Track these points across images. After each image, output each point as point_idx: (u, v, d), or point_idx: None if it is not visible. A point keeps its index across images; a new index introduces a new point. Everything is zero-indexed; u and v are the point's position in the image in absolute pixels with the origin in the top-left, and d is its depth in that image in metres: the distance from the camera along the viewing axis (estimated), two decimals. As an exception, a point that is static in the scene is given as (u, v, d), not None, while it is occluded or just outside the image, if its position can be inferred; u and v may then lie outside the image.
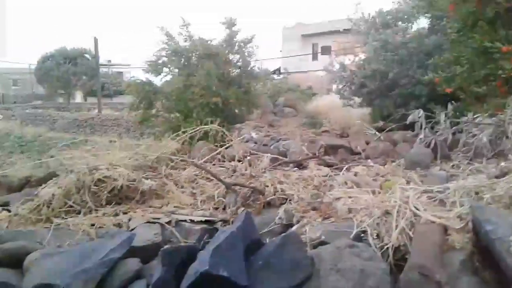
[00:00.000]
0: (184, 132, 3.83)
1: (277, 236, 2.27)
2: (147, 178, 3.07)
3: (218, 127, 3.96)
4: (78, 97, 37.89)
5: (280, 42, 35.35)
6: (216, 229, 2.79)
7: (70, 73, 32.54)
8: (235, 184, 3.04)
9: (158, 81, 15.77)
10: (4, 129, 25.87)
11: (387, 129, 4.90)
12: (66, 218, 2.79)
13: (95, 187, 2.89)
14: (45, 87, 36.26)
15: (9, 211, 3.03)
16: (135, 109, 16.19)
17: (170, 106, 15.24)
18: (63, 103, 34.00)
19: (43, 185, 3.03)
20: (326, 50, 30.96)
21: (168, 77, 15.68)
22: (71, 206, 2.83)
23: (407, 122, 4.36)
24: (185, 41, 15.35)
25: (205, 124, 4.13)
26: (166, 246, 2.16)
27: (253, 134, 7.89)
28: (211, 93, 13.87)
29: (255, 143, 6.38)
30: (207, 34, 15.88)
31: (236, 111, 15.24)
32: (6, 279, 2.15)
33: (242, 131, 9.68)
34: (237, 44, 15.71)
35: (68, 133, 26.09)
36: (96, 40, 26.81)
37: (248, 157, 3.64)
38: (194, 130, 3.88)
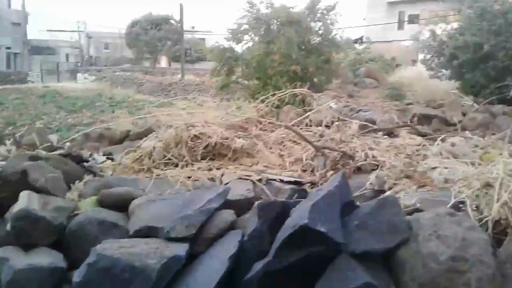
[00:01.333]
0: (273, 95, 3.88)
1: (370, 200, 2.26)
2: (239, 137, 3.16)
3: (307, 91, 3.95)
4: (163, 62, 39.37)
5: (364, 10, 33.86)
6: (305, 190, 2.84)
7: (156, 39, 33.76)
8: (325, 148, 3.04)
9: (239, 48, 15.94)
10: (97, 89, 27.70)
11: (486, 101, 4.59)
12: (165, 170, 2.97)
13: (191, 142, 3.04)
14: (133, 51, 37.92)
15: (112, 160, 3.29)
16: (216, 75, 16.54)
17: (249, 73, 15.37)
18: (149, 67, 35.52)
19: (145, 138, 3.25)
20: (413, 19, 29.20)
21: (249, 45, 15.79)
22: (169, 159, 3.01)
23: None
24: (267, 8, 15.25)
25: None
26: (261, 201, 2.24)
27: (332, 104, 7.78)
28: (290, 61, 13.76)
29: (334, 113, 6.28)
30: (289, 1, 15.64)
31: (315, 80, 15.02)
32: (115, 220, 2.35)
33: (320, 100, 9.52)
34: (319, 11, 15.32)
35: (152, 96, 27.35)
36: (181, 7, 27.40)
37: (337, 123, 3.61)
38: (283, 93, 3.91)
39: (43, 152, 2.76)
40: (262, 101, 3.80)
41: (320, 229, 1.74)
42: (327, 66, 14.40)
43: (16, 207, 2.28)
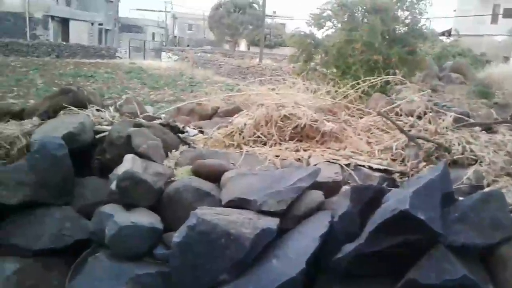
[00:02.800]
0: (364, 81, 3.80)
1: (467, 195, 2.17)
2: (328, 121, 3.15)
3: (401, 78, 3.83)
4: (242, 45, 39.86)
5: (455, 1, 31.85)
6: (394, 180, 2.78)
7: (238, 22, 34.24)
8: (419, 138, 2.94)
9: (320, 34, 15.70)
10: (178, 69, 28.73)
11: None
12: (253, 147, 3.04)
13: (281, 122, 3.07)
14: (215, 34, 38.73)
15: (203, 133, 3.42)
16: (294, 61, 16.44)
17: (328, 60, 15.10)
18: (229, 50, 36.15)
19: (236, 115, 3.34)
20: (509, 13, 27.07)
21: (330, 31, 15.49)
22: (258, 137, 3.07)
23: None
24: (352, -6, 14.82)
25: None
26: (356, 184, 2.23)
27: (415, 97, 7.46)
28: (372, 50, 13.31)
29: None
30: (376, -13, 15.03)
31: (397, 71, 14.42)
32: (208, 189, 2.46)
33: (401, 93, 9.15)
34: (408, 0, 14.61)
35: (230, 78, 27.89)
36: (265, -10, 27.45)
37: (430, 114, 3.47)
38: (375, 79, 3.82)
39: (143, 121, 2.93)
40: (352, 87, 3.74)
41: (420, 216, 1.70)
42: (411, 57, 13.79)
43: (121, 169, 2.45)
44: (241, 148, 3.05)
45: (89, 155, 2.85)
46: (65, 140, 2.57)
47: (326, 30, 15.53)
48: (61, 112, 3.07)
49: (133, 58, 31.72)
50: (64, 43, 29.56)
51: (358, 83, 3.77)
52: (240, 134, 3.07)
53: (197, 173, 2.62)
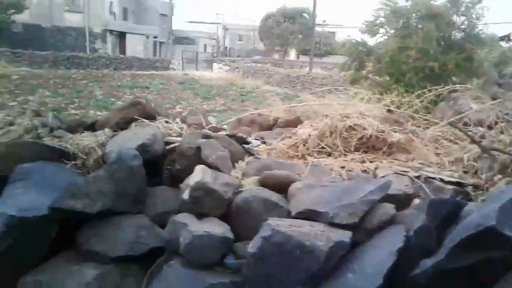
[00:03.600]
0: (430, 91, 3.71)
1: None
2: (394, 131, 3.09)
3: (469, 87, 3.70)
4: (292, 55, 39.94)
5: (516, 3, 30.39)
6: (467, 193, 2.68)
7: (288, 32, 34.38)
8: (493, 149, 2.82)
9: (373, 42, 15.43)
10: (229, 79, 29.22)
11: None
12: (318, 158, 3.03)
13: (345, 133, 3.05)
14: (264, 44, 39.09)
15: (265, 144, 3.46)
16: (346, 69, 16.22)
17: (381, 68, 14.78)
18: (278, 60, 36.34)
19: (299, 126, 3.36)
20: None
21: (383, 39, 15.17)
22: (323, 148, 3.06)
23: None
24: (406, 1, 14.48)
25: (421, 90, 3.95)
26: (432, 197, 2.17)
27: (473, 105, 7.16)
28: (428, 57, 12.90)
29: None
30: (431, -7, 14.62)
31: (454, 78, 13.88)
32: (276, 200, 2.48)
33: (459, 101, 8.82)
34: (464, 4, 14.13)
35: (280, 88, 27.98)
36: (315, 0, 27.44)
37: (502, 124, 3.32)
38: (442, 89, 3.71)
39: (211, 132, 3.00)
40: (418, 96, 3.65)
41: (507, 233, 1.63)
42: (468, 64, 13.26)
43: (192, 179, 2.53)
44: (305, 159, 3.05)
45: (159, 165, 2.95)
46: (139, 151, 2.69)
47: (380, 37, 15.26)
48: (133, 124, 3.21)
49: (186, 69, 32.64)
50: (121, 56, 30.88)
51: (424, 93, 3.68)
52: (304, 145, 3.07)
53: (264, 183, 2.64)
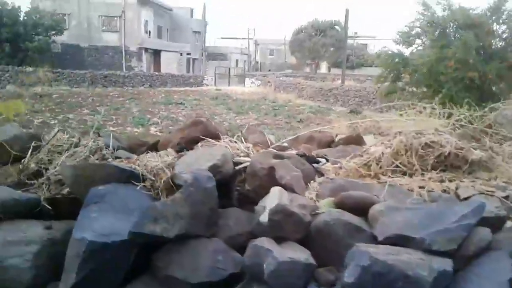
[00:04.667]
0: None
1: None
2: (474, 148, 2.92)
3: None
4: (323, 68, 39.79)
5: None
6: None
7: (319, 45, 34.31)
8: None
9: (408, 53, 15.12)
10: (261, 93, 29.29)
11: None
12: (393, 177, 2.89)
13: (422, 151, 2.90)
14: (296, 57, 39.16)
15: (327, 160, 3.33)
16: (382, 81, 15.91)
17: (418, 79, 14.43)
18: (310, 73, 36.27)
19: (370, 144, 3.23)
20: None
21: (419, 49, 14.82)
22: (397, 166, 2.92)
23: None
24: (443, 10, 14.17)
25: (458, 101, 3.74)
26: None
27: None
28: (467, 67, 12.54)
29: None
30: (468, 2, 14.30)
31: (494, 88, 13.40)
32: (358, 223, 2.35)
33: (502, 112, 8.48)
34: (505, 12, 13.76)
35: (313, 101, 27.83)
36: (347, 12, 27.31)
37: None
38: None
39: (284, 152, 2.91)
40: (491, 110, 3.47)
41: None
42: (510, 73, 12.80)
43: (268, 201, 2.43)
44: (378, 179, 2.91)
45: (228, 186, 2.87)
46: (210, 171, 2.62)
47: (416, 48, 14.91)
48: (199, 144, 3.15)
49: (218, 84, 32.97)
50: (156, 73, 31.53)
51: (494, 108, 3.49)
52: (377, 163, 2.93)
53: (341, 205, 2.52)
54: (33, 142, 3.40)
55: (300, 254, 2.20)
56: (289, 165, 2.69)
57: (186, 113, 19.06)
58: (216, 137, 3.34)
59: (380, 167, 2.93)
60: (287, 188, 2.57)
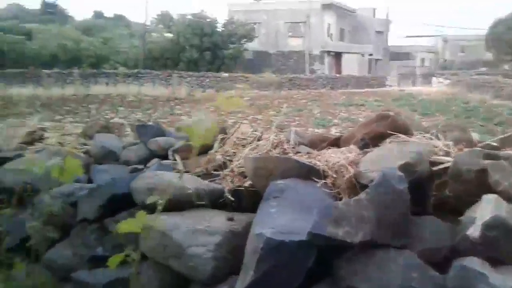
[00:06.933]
0: None
1: None
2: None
3: None
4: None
5: None
6: None
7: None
8: None
9: None
10: (451, 93, 26.78)
11: None
12: None
13: None
14: (492, 53, 34.94)
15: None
16: None
17: None
18: (510, 70, 31.74)
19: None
20: None
21: None
22: None
23: None
24: None
25: None
26: None
27: None
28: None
29: None
30: None
31: None
32: None
33: None
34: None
35: None
36: None
37: None
38: None
39: (501, 152, 2.34)
40: None
41: None
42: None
43: (480, 212, 1.94)
44: None
45: (423, 190, 2.44)
46: (401, 171, 2.23)
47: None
48: (387, 140, 2.78)
49: (401, 85, 31.26)
50: (337, 75, 31.65)
51: None
52: None
53: None
54: (221, 135, 3.52)
55: (525, 284, 1.67)
56: (507, 168, 2.12)
57: (366, 115, 18.57)
58: (406, 132, 2.91)
59: None
60: (505, 197, 2.02)
